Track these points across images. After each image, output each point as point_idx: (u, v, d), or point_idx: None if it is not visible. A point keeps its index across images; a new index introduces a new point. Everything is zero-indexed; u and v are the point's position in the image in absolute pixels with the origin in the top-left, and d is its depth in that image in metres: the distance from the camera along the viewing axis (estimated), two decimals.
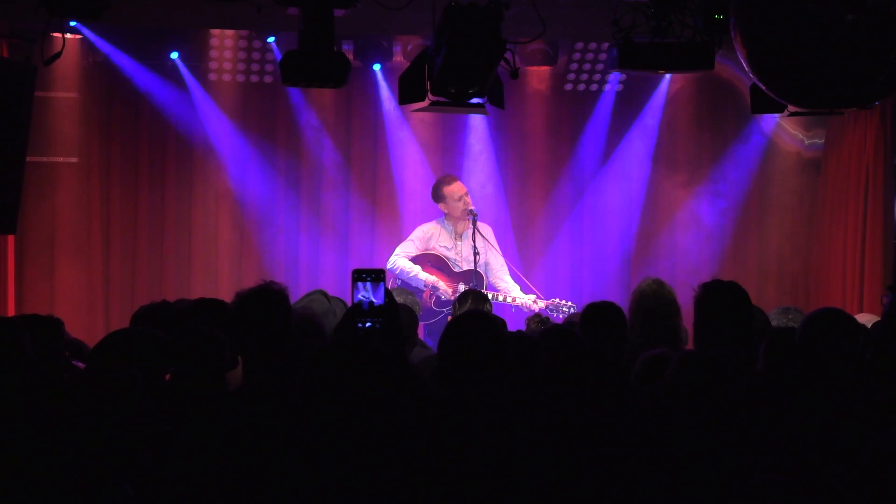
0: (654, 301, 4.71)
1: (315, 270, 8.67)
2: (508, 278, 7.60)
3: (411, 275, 7.46)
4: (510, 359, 3.12)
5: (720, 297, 3.92)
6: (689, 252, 8.95)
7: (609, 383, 3.80)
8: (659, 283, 4.81)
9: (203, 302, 4.33)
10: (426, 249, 7.63)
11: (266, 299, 3.35)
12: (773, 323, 4.93)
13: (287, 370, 2.84)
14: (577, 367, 3.78)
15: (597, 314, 4.13)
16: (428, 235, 7.63)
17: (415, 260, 7.58)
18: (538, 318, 5.48)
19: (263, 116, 8.64)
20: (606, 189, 8.97)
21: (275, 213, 8.66)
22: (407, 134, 8.77)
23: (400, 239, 8.27)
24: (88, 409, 2.63)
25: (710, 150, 9.01)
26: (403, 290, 6.02)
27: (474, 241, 7.32)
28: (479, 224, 7.51)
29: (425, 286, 7.43)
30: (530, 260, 8.74)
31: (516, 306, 7.40)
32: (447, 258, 7.59)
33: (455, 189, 7.57)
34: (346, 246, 8.76)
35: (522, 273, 7.77)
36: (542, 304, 7.33)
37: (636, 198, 8.99)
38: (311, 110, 8.65)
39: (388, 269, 7.55)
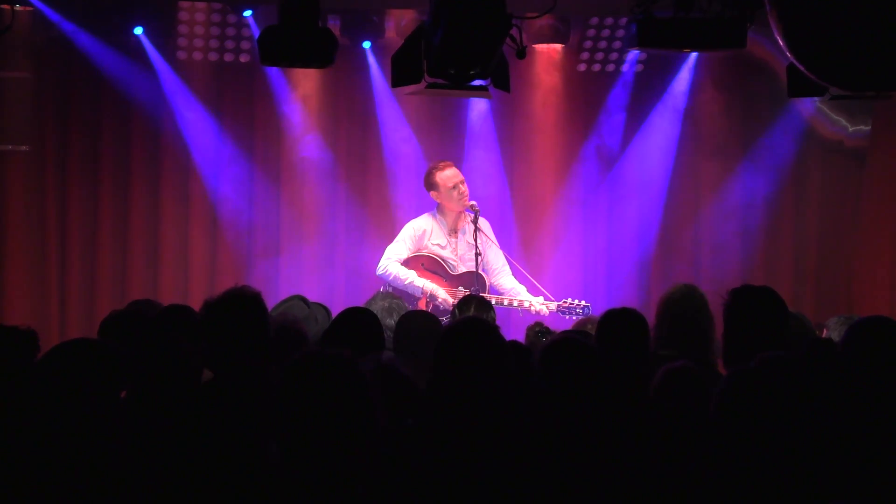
0: (686, 308, 4.73)
1: (297, 273, 8.67)
2: (513, 279, 7.56)
3: (406, 282, 7.36)
4: (512, 372, 3.13)
5: (752, 303, 3.93)
6: (718, 253, 8.95)
7: (628, 400, 3.80)
8: (691, 289, 4.83)
9: (172, 310, 4.34)
10: (418, 250, 7.55)
11: (238, 305, 3.35)
12: (833, 335, 4.93)
13: (265, 384, 2.84)
14: (591, 382, 3.78)
15: (616, 322, 4.13)
16: (419, 233, 7.54)
17: (406, 263, 7.49)
18: (538, 327, 5.48)
19: (239, 100, 8.63)
20: (624, 182, 8.97)
21: (252, 208, 8.65)
22: (400, 120, 8.76)
23: (391, 239, 8.27)
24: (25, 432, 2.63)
25: (740, 139, 9.01)
26: (388, 294, 6.02)
27: (476, 239, 7.29)
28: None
29: (422, 294, 7.36)
30: (538, 262, 8.74)
31: (524, 310, 7.35)
32: (442, 259, 7.51)
33: (449, 176, 7.46)
34: (333, 246, 8.76)
35: (521, 274, 7.75)
36: (552, 305, 7.32)
37: (658, 192, 8.99)
38: (293, 94, 8.65)
39: (379, 276, 7.49)
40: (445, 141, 8.86)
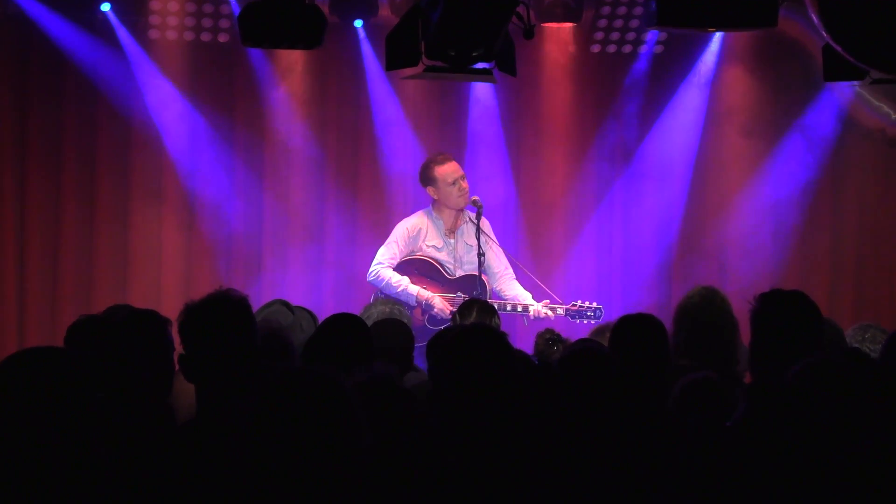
0: (705, 313, 4.74)
1: (281, 275, 8.68)
2: (516, 284, 7.56)
3: (399, 289, 7.34)
4: (522, 384, 3.15)
5: (782, 310, 3.93)
6: (746, 253, 8.96)
7: (646, 415, 3.83)
8: (711, 292, 4.84)
9: (141, 315, 4.35)
10: (412, 252, 7.55)
11: (224, 310, 3.36)
12: (852, 344, 4.95)
13: (253, 398, 2.85)
14: (605, 395, 3.81)
15: (632, 329, 4.15)
16: (413, 233, 7.52)
17: (399, 268, 7.49)
18: (549, 335, 5.50)
19: (218, 86, 8.64)
20: (642, 175, 8.98)
21: (232, 204, 8.66)
22: (395, 108, 8.77)
23: (385, 238, 8.28)
24: None
25: (771, 129, 9.02)
26: (388, 300, 6.04)
27: (479, 239, 7.30)
28: (473, 217, 7.46)
29: (417, 303, 7.35)
30: (547, 264, 8.75)
31: (528, 316, 7.36)
32: (438, 262, 7.51)
33: (448, 170, 7.45)
34: (321, 246, 8.77)
35: (538, 281, 7.77)
36: (560, 309, 7.32)
37: (679, 187, 9.00)
38: (278, 77, 8.66)
39: (370, 282, 7.50)
40: (445, 130, 8.87)
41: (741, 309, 4.21)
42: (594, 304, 7.34)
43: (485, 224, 7.52)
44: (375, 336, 4.88)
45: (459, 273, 7.50)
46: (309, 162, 8.76)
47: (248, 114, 8.70)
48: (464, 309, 5.53)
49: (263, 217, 8.74)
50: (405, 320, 5.64)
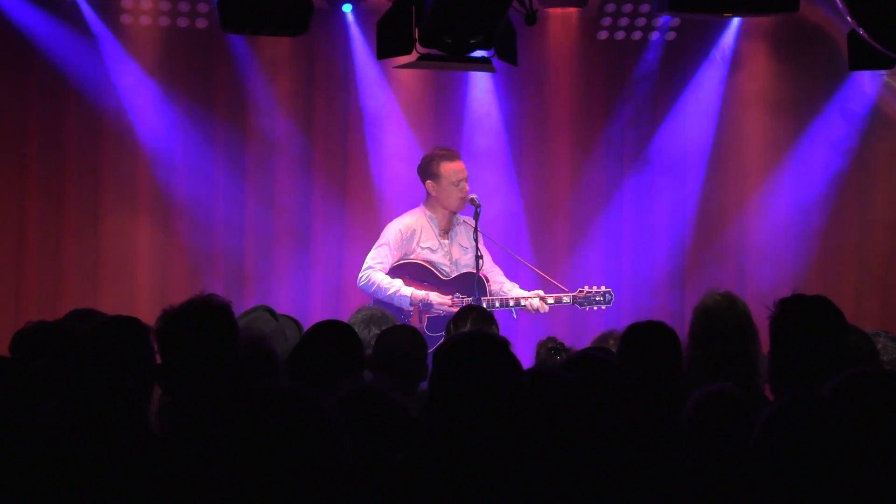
0: (721, 320, 4.74)
1: (265, 281, 8.68)
2: (503, 278, 7.59)
3: (390, 292, 7.36)
4: (526, 396, 3.14)
5: (804, 317, 3.94)
6: (765, 255, 8.96)
7: (657, 430, 3.83)
8: (728, 297, 4.84)
9: (115, 322, 4.35)
10: (405, 255, 7.56)
11: (205, 318, 3.36)
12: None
13: (236, 412, 2.84)
14: (612, 409, 3.80)
15: (642, 338, 4.15)
16: (406, 235, 7.52)
17: (390, 273, 7.50)
18: (551, 343, 5.51)
19: (196, 75, 8.63)
20: (653, 172, 8.98)
21: (211, 203, 8.66)
22: (388, 100, 8.77)
23: (375, 240, 8.26)
24: None
25: (792, 122, 9.02)
26: (375, 305, 6.04)
27: (476, 240, 7.30)
28: (461, 219, 7.52)
29: (411, 305, 7.36)
30: (550, 266, 8.69)
31: (519, 311, 7.35)
32: (433, 265, 7.53)
33: (455, 168, 7.46)
34: (307, 249, 8.77)
35: (539, 271, 7.73)
36: (567, 298, 7.33)
37: (694, 184, 9.01)
38: (260, 67, 8.65)
39: (361, 288, 7.51)
40: (441, 123, 8.87)
41: (760, 315, 4.21)
42: (602, 288, 7.36)
43: (470, 221, 7.53)
44: (383, 344, 4.89)
45: (453, 273, 7.51)
46: (294, 158, 8.75)
47: (228, 107, 8.69)
48: (458, 318, 5.53)
49: (245, 217, 8.73)
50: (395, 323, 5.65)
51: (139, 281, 8.56)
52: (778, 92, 8.99)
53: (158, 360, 3.60)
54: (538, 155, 8.97)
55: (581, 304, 7.32)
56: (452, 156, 7.54)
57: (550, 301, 7.34)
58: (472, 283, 7.35)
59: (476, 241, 7.31)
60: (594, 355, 4.04)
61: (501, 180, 8.83)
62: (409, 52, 5.62)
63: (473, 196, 7.44)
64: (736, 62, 8.92)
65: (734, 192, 9.06)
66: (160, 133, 8.55)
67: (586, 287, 7.37)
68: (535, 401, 3.31)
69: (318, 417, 2.48)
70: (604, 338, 5.59)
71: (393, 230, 7.56)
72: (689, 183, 9.01)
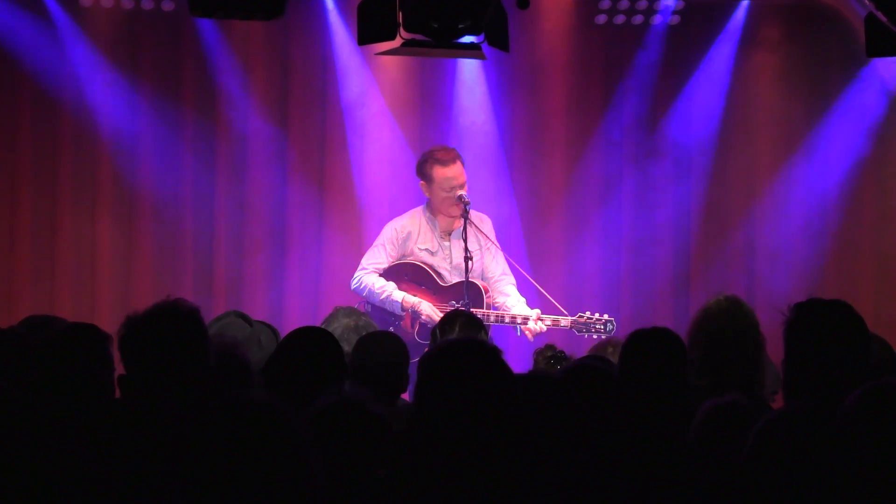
0: (725, 326, 4.74)
1: (238, 284, 8.67)
2: (513, 290, 7.61)
3: (382, 296, 7.44)
4: (520, 408, 3.13)
5: (821, 322, 3.93)
6: (777, 257, 8.96)
7: (663, 447, 3.82)
8: (732, 301, 4.84)
9: (73, 331, 4.33)
10: (402, 256, 7.61)
11: (172, 324, 3.35)
12: None
13: (206, 425, 2.83)
14: (613, 423, 3.80)
15: (645, 346, 4.13)
16: (403, 235, 7.59)
17: (387, 274, 7.54)
18: (550, 352, 5.50)
19: (162, 62, 8.63)
20: (656, 167, 8.98)
21: (178, 201, 8.65)
22: (369, 89, 8.77)
23: (357, 240, 8.28)
24: None
25: (805, 112, 9.02)
26: (352, 311, 6.03)
27: (466, 240, 7.31)
28: (473, 215, 7.50)
29: (403, 311, 7.41)
30: (544, 269, 8.72)
31: (521, 327, 7.36)
32: (431, 268, 7.57)
33: (449, 175, 7.46)
34: (282, 249, 8.76)
35: (541, 288, 7.74)
36: (565, 321, 7.34)
37: (699, 180, 9.01)
38: (232, 54, 8.64)
39: (354, 290, 7.56)
40: (427, 114, 8.87)
41: (774, 321, 4.19)
42: (605, 317, 7.35)
43: (486, 224, 7.61)
44: (363, 352, 4.88)
45: (455, 280, 7.51)
46: (269, 153, 8.75)
47: (197, 97, 8.68)
48: (445, 323, 5.53)
49: (215, 216, 8.73)
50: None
51: (100, 285, 8.55)
52: (790, 81, 8.99)
53: (122, 370, 3.59)
54: (531, 149, 8.97)
55: (579, 331, 7.33)
56: (448, 160, 7.52)
57: (547, 323, 7.34)
58: (471, 291, 7.37)
59: (465, 241, 7.31)
60: (591, 365, 4.04)
61: (492, 175, 8.83)
62: (392, 38, 5.62)
63: (462, 193, 7.44)
64: (744, 49, 8.91)
65: (743, 188, 9.06)
66: (123, 126, 8.54)
67: (587, 313, 7.38)
68: (529, 413, 3.29)
69: (287, 434, 2.46)
70: (602, 346, 5.59)
71: (389, 231, 7.64)
72: (694, 178, 9.00)
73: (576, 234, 8.97)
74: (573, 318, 7.36)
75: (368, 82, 8.76)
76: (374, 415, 3.39)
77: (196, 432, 2.46)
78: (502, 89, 8.91)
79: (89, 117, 8.48)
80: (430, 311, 7.38)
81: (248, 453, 2.42)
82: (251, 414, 2.47)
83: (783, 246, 9.00)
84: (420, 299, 7.44)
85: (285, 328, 5.35)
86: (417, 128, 8.80)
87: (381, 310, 7.46)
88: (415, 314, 7.40)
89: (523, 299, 7.56)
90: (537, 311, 7.40)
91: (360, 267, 7.60)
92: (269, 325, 5.15)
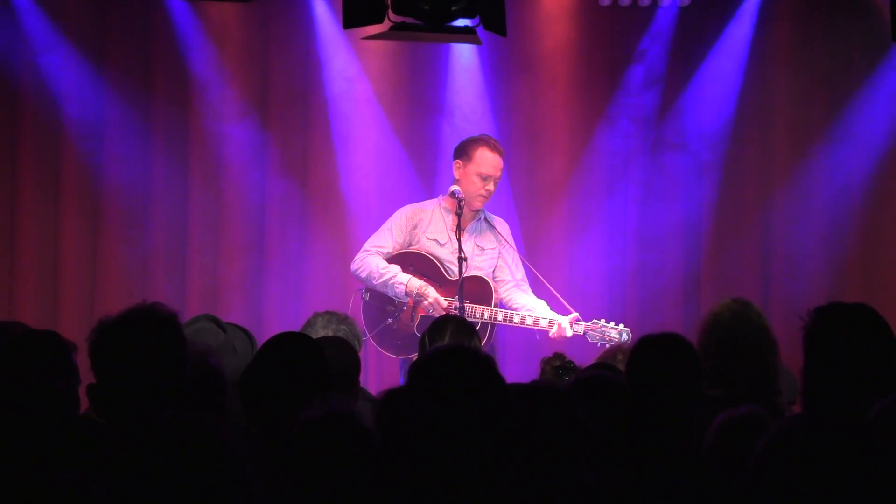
0: (735, 331, 4.74)
1: (211, 291, 8.66)
2: (531, 295, 7.69)
3: (385, 277, 7.48)
4: (512, 423, 3.13)
5: (843, 327, 3.93)
6: (795, 259, 8.96)
7: (674, 462, 3.82)
8: (742, 305, 4.86)
9: (35, 337, 4.32)
10: (409, 244, 7.66)
11: (149, 330, 3.35)
12: None
13: (182, 439, 2.84)
14: (620, 436, 3.80)
15: (654, 353, 4.14)
16: (414, 222, 7.66)
17: (393, 260, 7.59)
18: (558, 361, 5.51)
19: (130, 47, 8.63)
20: (665, 161, 8.98)
21: (149, 197, 8.64)
22: (355, 77, 8.77)
23: (343, 242, 8.28)
24: None
25: (825, 102, 9.02)
26: (331, 318, 6.03)
27: (459, 238, 7.34)
28: (489, 216, 7.62)
29: (406, 295, 7.44)
30: (544, 271, 8.67)
31: (540, 330, 7.41)
32: (438, 259, 7.61)
33: (493, 162, 7.54)
34: (260, 249, 8.76)
35: (540, 287, 7.75)
36: (579, 328, 7.38)
37: (711, 175, 9.00)
38: (206, 38, 8.63)
39: (353, 273, 7.60)
40: (417, 104, 8.87)
41: (792, 326, 4.20)
42: (620, 326, 7.38)
43: (502, 226, 7.72)
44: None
45: (464, 275, 7.52)
46: (246, 145, 8.75)
47: (169, 84, 8.68)
48: (435, 329, 5.53)
49: (189, 213, 8.73)
50: (356, 341, 5.64)
51: (64, 287, 8.55)
52: (809, 67, 8.97)
53: (92, 380, 3.58)
54: (531, 140, 8.97)
55: (591, 338, 7.36)
56: (496, 148, 7.64)
57: (579, 329, 7.37)
58: (475, 287, 7.43)
59: (458, 237, 7.32)
60: (599, 374, 4.03)
61: None
62: (380, 21, 5.62)
63: (455, 188, 7.45)
64: (760, 32, 8.89)
65: (758, 184, 9.04)
66: (88, 115, 8.55)
67: (602, 320, 7.41)
68: (532, 428, 3.29)
69: (215, 453, 2.48)
70: (611, 353, 5.58)
71: (399, 215, 7.70)
72: (705, 171, 8.99)
73: (578, 232, 8.96)
74: (587, 324, 7.39)
75: (354, 69, 8.75)
76: (364, 428, 3.40)
77: (133, 454, 2.47)
78: (499, 77, 8.90)
79: (52, 105, 8.47)
80: (437, 296, 7.41)
81: (180, 477, 2.43)
82: (183, 435, 2.48)
83: (802, 244, 8.98)
84: (426, 283, 7.47)
85: (262, 334, 5.35)
86: (408, 120, 8.80)
87: (378, 299, 7.48)
88: (419, 298, 7.41)
89: (543, 301, 7.60)
90: (574, 314, 7.42)
91: (362, 249, 7.64)
92: (244, 330, 5.13)
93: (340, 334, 5.68)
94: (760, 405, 4.19)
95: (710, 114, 8.99)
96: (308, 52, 8.73)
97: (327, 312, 6.25)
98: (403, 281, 7.45)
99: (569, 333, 7.34)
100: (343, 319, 6.03)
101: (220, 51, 8.66)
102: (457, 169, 7.59)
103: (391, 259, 7.58)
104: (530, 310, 7.51)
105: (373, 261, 7.53)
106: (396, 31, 5.61)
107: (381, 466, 3.20)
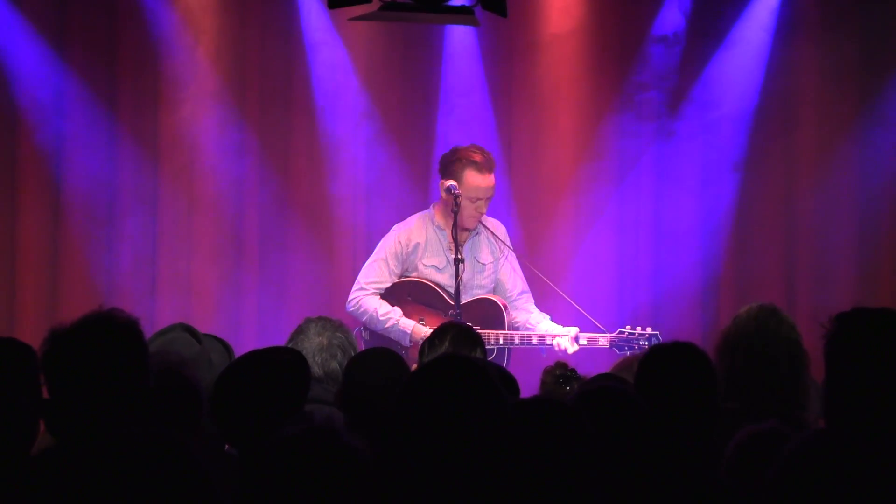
0: (759, 340, 4.77)
1: (184, 296, 8.67)
2: (533, 307, 7.72)
3: (387, 325, 7.56)
4: (511, 439, 3.15)
5: (867, 334, 3.95)
6: (821, 263, 8.96)
7: (689, 483, 3.84)
8: (768, 311, 4.88)
9: None
10: (404, 272, 7.69)
11: (106, 338, 3.36)
12: None
13: (145, 458, 2.84)
14: (630, 453, 3.82)
15: (667, 364, 4.16)
16: (408, 249, 7.68)
17: (388, 294, 7.61)
18: (559, 370, 5.52)
19: (96, 32, 8.63)
20: (679, 155, 9.00)
21: (114, 195, 8.65)
22: (341, 62, 8.78)
23: (328, 242, 8.29)
24: None
25: (855, 94, 9.00)
26: (326, 325, 6.04)
27: (456, 238, 7.38)
28: (484, 220, 7.64)
29: (412, 342, 7.48)
30: (546, 272, 8.68)
31: (547, 348, 7.44)
32: (438, 286, 7.65)
33: (486, 184, 7.55)
34: (239, 253, 8.79)
35: (542, 297, 7.77)
36: (603, 340, 7.42)
37: (725, 178, 9.01)
38: (178, 20, 8.64)
39: (351, 314, 7.62)
40: (409, 92, 8.87)
41: (817, 335, 4.22)
42: (648, 331, 7.41)
43: (498, 229, 7.73)
44: (356, 374, 4.87)
45: (467, 299, 7.56)
46: (221, 139, 8.75)
47: (136, 72, 8.69)
48: (435, 336, 5.54)
49: (158, 213, 8.73)
50: (352, 351, 5.66)
51: (22, 290, 8.56)
52: (838, 56, 8.95)
53: (45, 393, 3.59)
54: (532, 132, 8.98)
55: (620, 349, 7.39)
56: (485, 166, 7.62)
57: (583, 342, 7.41)
58: (483, 311, 7.50)
59: (456, 247, 7.35)
60: (607, 384, 4.03)
61: None
62: (368, 1, 5.63)
63: (452, 183, 7.46)
64: (787, 9, 8.87)
65: (783, 184, 9.03)
66: (49, 104, 8.55)
67: (628, 327, 7.44)
68: (536, 446, 3.31)
69: (182, 472, 2.50)
70: (628, 363, 5.55)
71: (392, 243, 7.71)
72: (725, 164, 9.01)
73: (585, 233, 8.97)
74: (612, 334, 7.41)
75: (340, 54, 8.75)
76: (350, 447, 3.41)
77: (91, 474, 2.50)
78: (499, 62, 8.91)
79: (8, 95, 8.48)
80: None
81: (143, 499, 2.46)
82: (146, 453, 2.51)
83: (828, 250, 8.99)
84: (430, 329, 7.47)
85: (241, 345, 5.37)
86: (398, 108, 8.80)
87: (380, 339, 7.51)
88: None
89: (547, 316, 7.62)
90: (575, 329, 7.46)
91: (356, 286, 7.66)
92: (222, 342, 5.15)
93: (336, 342, 5.70)
94: (785, 421, 4.20)
95: (729, 101, 8.99)
96: (290, 36, 8.73)
97: (321, 318, 6.29)
98: (407, 330, 7.53)
99: (570, 350, 7.37)
100: (338, 327, 6.02)
101: (191, 34, 8.64)
102: (445, 195, 7.56)
103: (387, 291, 7.62)
104: (532, 326, 7.55)
105: (371, 303, 7.58)
106: (386, 12, 5.63)
107: (369, 489, 3.22)
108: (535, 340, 7.47)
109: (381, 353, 5.23)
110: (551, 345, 7.44)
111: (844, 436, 3.02)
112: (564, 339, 7.39)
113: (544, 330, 7.52)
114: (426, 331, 7.43)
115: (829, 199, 9.03)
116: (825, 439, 2.94)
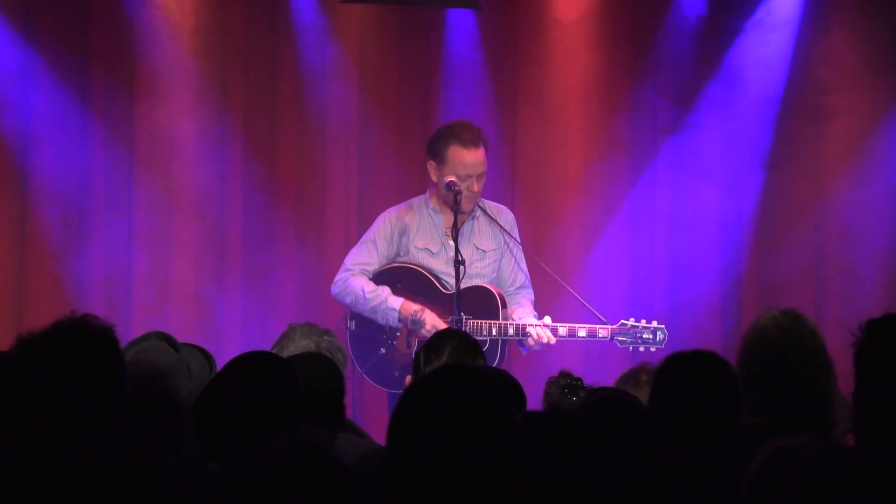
0: (785, 348, 4.79)
1: (160, 299, 8.67)
2: (526, 302, 7.72)
3: (374, 303, 7.52)
4: (519, 455, 3.16)
5: None
6: (850, 267, 8.96)
7: (707, 500, 3.85)
8: (791, 318, 4.88)
9: None
10: (396, 255, 7.70)
11: (78, 346, 3.37)
12: None
13: (119, 472, 2.85)
14: (642, 472, 3.82)
15: (685, 374, 4.17)
16: (399, 229, 7.69)
17: (376, 280, 7.62)
18: (564, 380, 5.52)
19: (67, 22, 8.65)
20: (697, 151, 9.00)
21: (87, 191, 8.66)
22: (331, 49, 8.79)
23: (318, 243, 8.29)
24: None
25: (882, 90, 9.00)
26: (311, 329, 6.07)
27: (456, 240, 7.39)
28: (490, 206, 7.65)
29: (401, 321, 7.48)
30: (555, 270, 8.67)
31: (528, 345, 7.44)
32: (431, 272, 7.66)
33: (470, 159, 7.53)
34: (220, 254, 8.80)
35: (550, 298, 7.77)
36: (603, 332, 7.42)
37: (751, 170, 9.02)
38: (157, 11, 8.64)
39: (335, 297, 7.63)
40: (406, 82, 8.88)
41: (843, 341, 4.23)
42: (653, 324, 7.40)
43: (505, 216, 7.73)
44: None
45: (462, 287, 7.55)
46: (202, 133, 8.76)
47: (111, 62, 8.70)
48: (431, 347, 5.54)
49: (133, 211, 8.74)
50: (340, 356, 5.67)
51: None
52: (862, 49, 8.96)
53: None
54: (539, 128, 9.00)
55: (622, 343, 7.38)
56: (469, 141, 7.60)
57: (581, 333, 7.39)
58: (476, 298, 7.47)
59: (455, 240, 7.36)
60: (615, 396, 4.04)
61: (489, 160, 8.81)
62: None
63: (453, 178, 7.48)
64: (808, 10, 8.88)
65: (808, 184, 9.03)
66: (16, 96, 8.56)
67: (632, 319, 7.42)
68: (540, 463, 3.32)
69: (157, 490, 2.51)
70: (633, 375, 5.57)
71: (382, 223, 7.73)
72: (748, 161, 9.02)
73: (596, 234, 8.99)
74: (613, 326, 7.40)
75: (330, 40, 8.76)
76: (340, 465, 3.42)
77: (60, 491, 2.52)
78: (502, 50, 8.92)
79: None
80: (434, 321, 7.44)
81: None
82: (118, 468, 2.53)
83: (857, 254, 8.99)
84: (422, 307, 7.50)
85: (222, 354, 5.37)
86: (394, 100, 8.81)
87: (366, 326, 7.53)
88: (414, 325, 7.45)
89: (533, 312, 7.62)
90: (547, 318, 7.45)
91: (343, 267, 7.65)
92: (201, 349, 5.15)
93: (323, 346, 5.71)
94: (813, 437, 4.21)
95: (751, 93, 9.00)
96: (275, 20, 8.74)
97: (307, 324, 6.30)
98: (396, 307, 7.49)
99: (545, 339, 7.35)
100: (325, 332, 6.05)
101: (170, 19, 8.65)
102: (432, 170, 7.60)
103: (378, 275, 7.63)
104: (513, 320, 7.54)
105: (357, 283, 7.56)
106: None
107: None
108: (493, 332, 7.43)
109: (314, 357, 5.22)
110: (529, 334, 7.40)
111: (877, 452, 3.01)
112: (541, 330, 7.36)
113: (518, 318, 7.50)
114: (415, 307, 7.47)
115: (860, 198, 9.04)
116: (854, 456, 2.94)
